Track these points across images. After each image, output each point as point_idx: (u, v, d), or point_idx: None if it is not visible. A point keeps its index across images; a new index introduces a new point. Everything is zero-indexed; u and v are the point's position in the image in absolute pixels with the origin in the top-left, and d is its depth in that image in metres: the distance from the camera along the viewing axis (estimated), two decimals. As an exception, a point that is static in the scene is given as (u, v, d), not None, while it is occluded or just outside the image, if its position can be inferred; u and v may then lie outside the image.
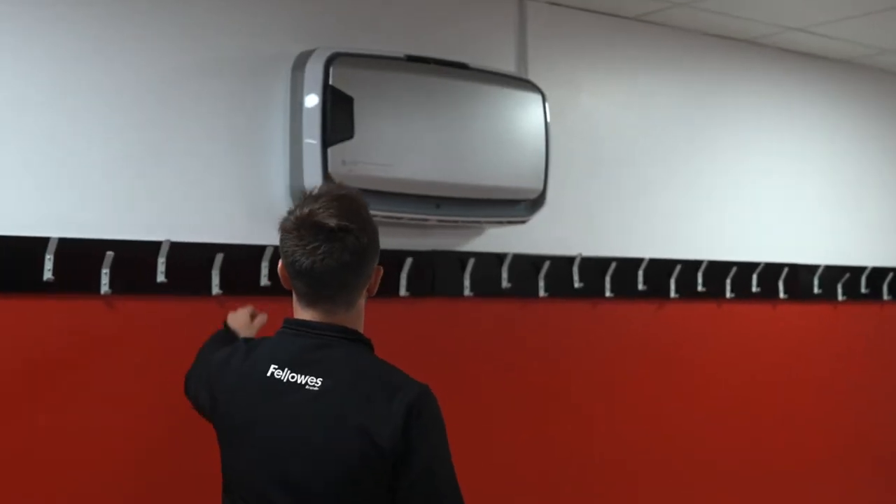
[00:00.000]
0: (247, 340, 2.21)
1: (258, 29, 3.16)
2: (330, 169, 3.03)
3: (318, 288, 2.03)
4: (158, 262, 2.93)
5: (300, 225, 2.00)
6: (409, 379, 2.01)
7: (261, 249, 3.08)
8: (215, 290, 3.03)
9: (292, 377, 1.99)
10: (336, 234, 1.98)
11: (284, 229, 2.03)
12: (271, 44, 3.16)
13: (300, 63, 3.09)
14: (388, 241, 3.22)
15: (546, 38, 3.74)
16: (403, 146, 3.17)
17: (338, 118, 3.04)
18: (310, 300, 2.04)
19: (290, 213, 2.04)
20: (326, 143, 3.03)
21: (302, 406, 1.97)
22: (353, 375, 1.99)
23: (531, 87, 3.48)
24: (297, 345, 2.03)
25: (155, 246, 2.93)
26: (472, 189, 3.33)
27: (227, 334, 2.54)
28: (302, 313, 2.07)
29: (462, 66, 3.33)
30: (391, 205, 3.18)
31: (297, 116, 3.08)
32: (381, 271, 2.12)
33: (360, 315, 2.10)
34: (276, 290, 2.28)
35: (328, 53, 3.06)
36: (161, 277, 2.94)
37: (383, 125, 3.13)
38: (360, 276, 2.06)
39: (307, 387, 1.97)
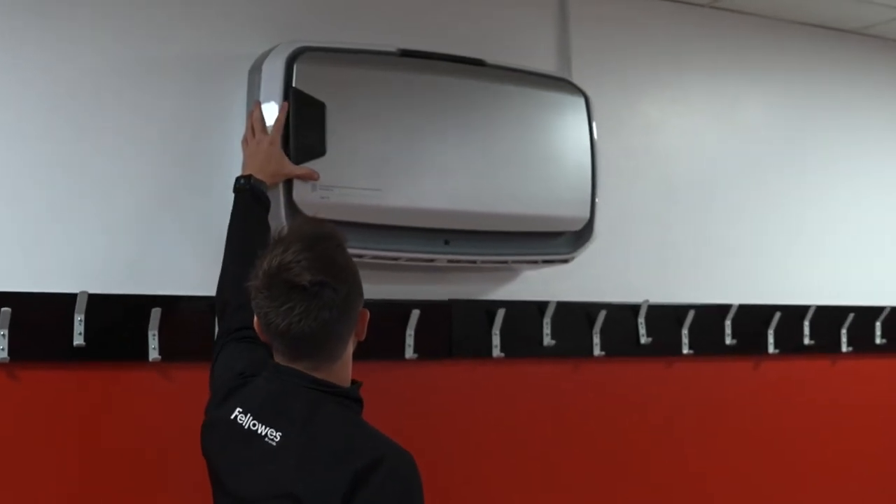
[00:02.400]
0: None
1: (213, 22, 2.49)
2: (295, 197, 2.34)
3: (298, 348, 1.85)
4: (75, 319, 2.27)
5: (270, 282, 1.80)
6: (378, 443, 1.80)
7: (212, 303, 2.38)
8: (153, 354, 2.34)
9: (254, 425, 1.84)
10: (310, 292, 1.79)
11: (254, 287, 1.83)
12: (231, 41, 2.49)
13: (259, 63, 2.42)
14: (384, 288, 2.59)
15: (594, 29, 2.99)
16: (396, 165, 2.46)
17: (303, 130, 2.35)
18: (290, 358, 1.86)
19: (258, 265, 1.82)
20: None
21: (256, 461, 1.82)
22: (312, 434, 1.81)
23: (569, 87, 2.73)
24: (267, 390, 1.87)
25: (68, 300, 2.26)
26: (493, 219, 2.59)
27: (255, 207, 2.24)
28: (284, 364, 1.88)
29: (477, 63, 2.61)
30: (382, 242, 2.46)
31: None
32: (368, 314, 1.92)
33: (346, 365, 1.91)
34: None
35: (292, 48, 2.37)
36: (78, 339, 2.27)
37: (367, 138, 2.42)
38: (343, 328, 1.87)
39: (266, 439, 1.82)
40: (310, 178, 2.32)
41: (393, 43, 2.52)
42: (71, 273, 2.29)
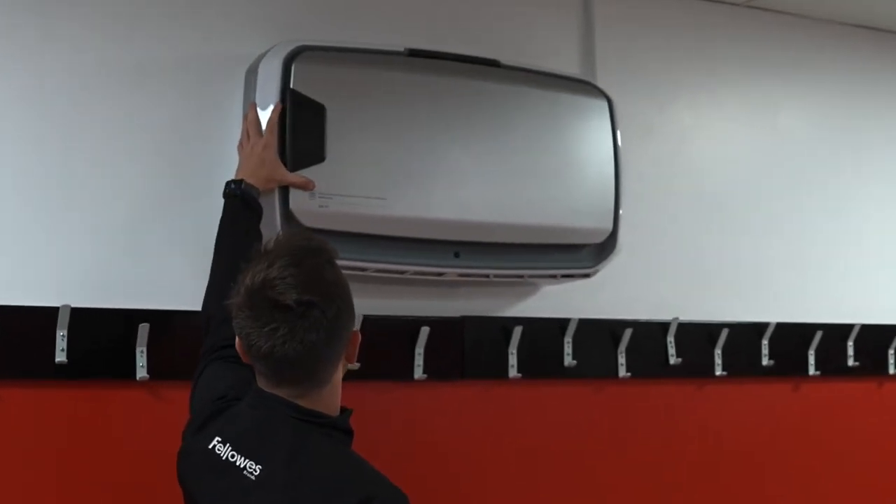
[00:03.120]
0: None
1: (210, 22, 2.35)
2: (292, 206, 2.18)
3: (282, 372, 1.70)
4: (57, 335, 2.13)
5: (252, 300, 1.66)
6: (367, 480, 1.67)
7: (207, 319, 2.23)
8: (141, 373, 2.19)
9: (232, 456, 1.70)
10: (296, 312, 1.65)
11: (235, 305, 1.68)
12: (229, 41, 2.35)
13: (256, 64, 2.27)
14: (390, 304, 2.42)
15: (621, 29, 2.82)
16: (402, 172, 2.30)
17: (301, 134, 2.19)
18: (274, 382, 1.72)
19: (240, 280, 1.69)
20: (286, 168, 2.18)
21: (232, 495, 1.69)
22: (294, 470, 1.67)
23: (592, 90, 2.55)
24: (249, 419, 1.73)
25: (50, 313, 2.12)
26: (508, 230, 2.42)
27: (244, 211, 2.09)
28: (267, 389, 1.73)
29: (491, 64, 2.44)
30: (386, 254, 2.30)
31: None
32: (359, 337, 1.79)
33: (335, 391, 1.77)
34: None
35: (290, 48, 2.22)
36: (60, 357, 2.13)
37: (371, 143, 2.27)
38: (332, 351, 1.72)
39: (244, 472, 1.68)
40: (305, 187, 2.17)
41: (400, 43, 2.36)
42: (54, 285, 2.15)
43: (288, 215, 2.18)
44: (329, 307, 1.67)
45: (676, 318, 2.80)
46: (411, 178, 2.30)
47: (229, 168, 2.22)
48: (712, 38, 2.98)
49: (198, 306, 2.16)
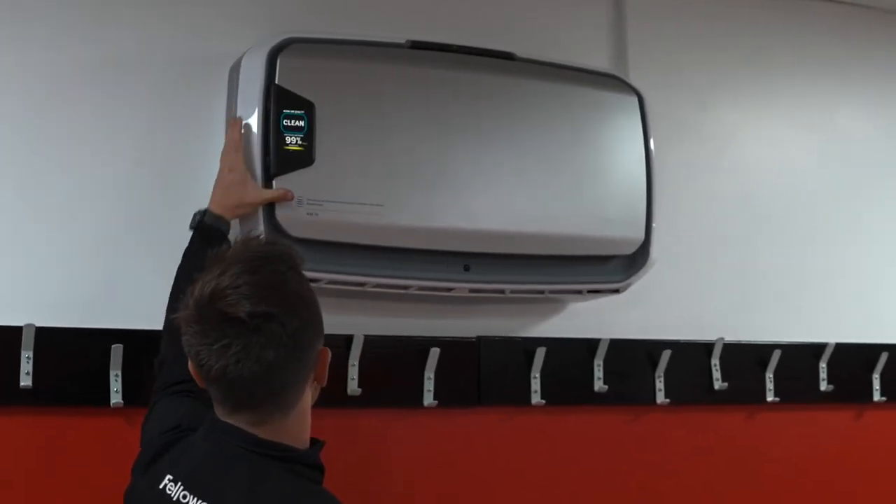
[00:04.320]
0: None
1: (195, 16, 2.16)
2: (278, 215, 1.97)
3: (238, 396, 1.48)
4: (21, 357, 1.93)
5: (201, 313, 1.46)
6: None
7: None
8: (115, 398, 1.99)
9: (183, 497, 1.49)
10: (250, 326, 1.44)
11: (183, 319, 1.48)
12: (216, 37, 2.15)
13: (240, 60, 2.06)
14: (395, 322, 2.20)
15: (656, 21, 2.57)
16: (403, 176, 2.07)
17: (287, 135, 1.98)
18: (229, 408, 1.50)
19: (189, 291, 1.49)
20: (269, 173, 1.97)
21: None
22: None
23: (619, 85, 2.31)
24: (202, 453, 1.53)
25: (13, 334, 1.93)
26: (524, 241, 2.18)
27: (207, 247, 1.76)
28: (226, 418, 1.51)
29: (505, 56, 2.21)
30: (386, 267, 2.08)
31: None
32: (329, 354, 1.56)
33: (302, 418, 1.54)
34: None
35: (277, 40, 2.02)
36: (25, 381, 1.93)
37: (367, 144, 2.05)
38: (295, 371, 1.50)
39: None
40: (284, 199, 1.95)
41: (404, 36, 2.15)
42: (18, 303, 1.97)
43: (274, 225, 1.97)
44: (289, 320, 1.46)
45: (721, 339, 2.52)
46: (413, 182, 2.08)
47: (212, 178, 2.03)
48: (761, 31, 2.72)
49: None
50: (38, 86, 2.03)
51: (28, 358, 1.94)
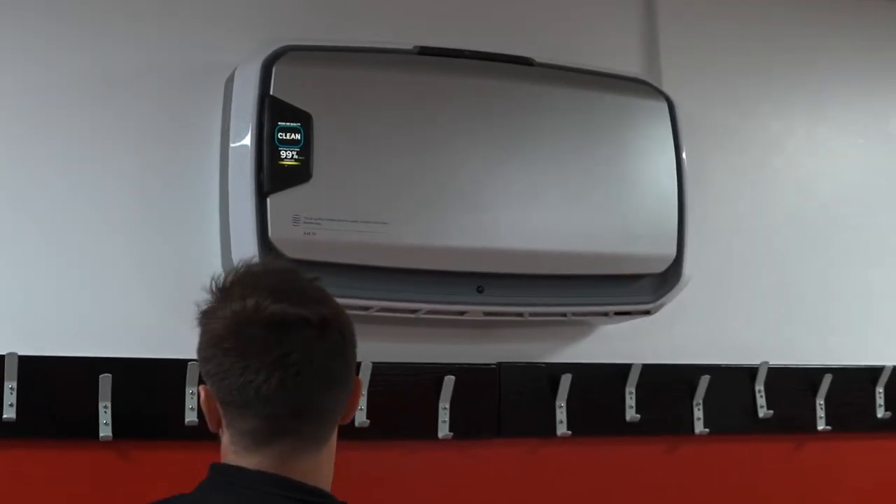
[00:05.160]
0: None
1: (194, 25, 2.04)
2: (272, 235, 1.84)
3: (283, 419, 1.29)
4: (4, 388, 1.82)
5: (240, 327, 1.27)
6: None
7: (181, 366, 1.90)
8: (104, 431, 1.87)
9: None
10: (315, 329, 1.28)
11: (213, 337, 1.29)
12: (215, 48, 2.03)
13: (235, 71, 1.95)
14: (404, 349, 2.07)
15: (692, 22, 2.39)
16: (407, 192, 1.93)
17: (282, 149, 1.85)
18: (263, 438, 1.29)
19: (211, 311, 1.31)
20: (263, 190, 1.84)
21: None
22: None
23: (647, 89, 2.15)
24: None
25: (-5, 363, 1.82)
26: (544, 259, 2.02)
27: None
28: (243, 458, 1.30)
29: (522, 62, 2.07)
30: (392, 290, 1.93)
31: (225, 151, 1.92)
32: (361, 383, 1.43)
33: (331, 458, 1.35)
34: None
35: (273, 48, 1.89)
36: (8, 413, 1.82)
37: (369, 158, 1.91)
38: (343, 392, 1.35)
39: None
40: None
41: (413, 44, 2.01)
42: (3, 331, 1.86)
43: (267, 246, 1.83)
44: (346, 329, 1.33)
45: (766, 363, 2.33)
46: (420, 198, 1.93)
47: (205, 196, 1.92)
48: (807, 31, 2.53)
49: (170, 353, 1.86)
50: (26, 102, 1.93)
51: (11, 389, 1.83)
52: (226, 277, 1.33)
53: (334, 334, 1.30)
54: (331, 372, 1.30)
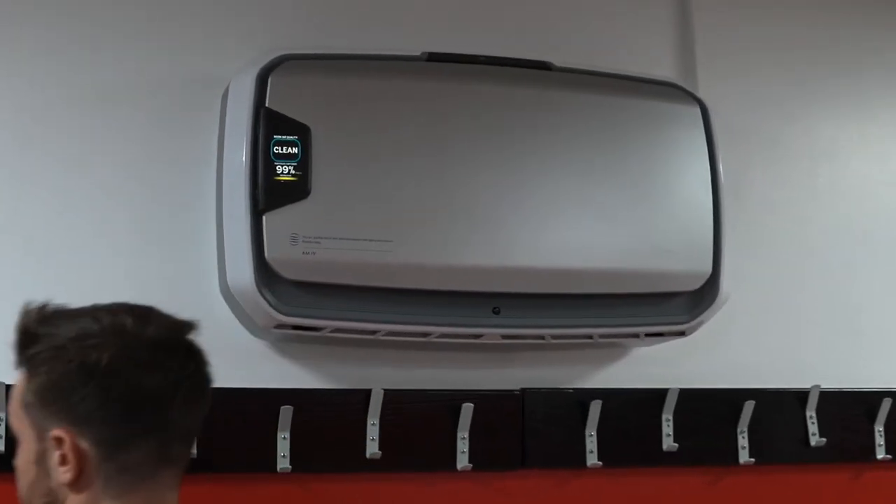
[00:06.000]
0: None
1: (192, 38, 1.95)
2: (268, 255, 1.72)
3: (175, 439, 1.28)
4: (-8, 420, 1.75)
5: (157, 344, 1.26)
6: None
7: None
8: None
9: None
10: (195, 349, 1.31)
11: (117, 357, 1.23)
12: (213, 61, 1.94)
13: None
14: (420, 374, 1.93)
15: (727, 21, 2.23)
16: (414, 207, 1.80)
17: (278, 163, 1.74)
18: (148, 470, 1.24)
19: (89, 339, 1.24)
20: (259, 207, 1.73)
21: None
22: None
23: (677, 93, 2.00)
24: None
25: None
26: (565, 278, 1.87)
27: None
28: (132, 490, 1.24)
29: (540, 66, 1.93)
30: (398, 312, 1.80)
31: (220, 167, 1.81)
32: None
33: None
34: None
35: (269, 58, 1.79)
36: (-2, 449, 1.74)
37: (372, 172, 1.79)
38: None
39: None
40: None
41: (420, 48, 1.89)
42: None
43: (263, 268, 1.72)
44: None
45: (817, 386, 2.16)
46: (428, 214, 1.80)
47: (206, 215, 1.81)
48: (857, 29, 2.35)
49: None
50: (22, 120, 1.85)
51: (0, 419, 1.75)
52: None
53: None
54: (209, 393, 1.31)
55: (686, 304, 1.96)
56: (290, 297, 1.74)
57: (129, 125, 1.89)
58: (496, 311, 1.85)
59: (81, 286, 1.81)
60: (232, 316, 1.84)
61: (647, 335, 1.96)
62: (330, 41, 1.91)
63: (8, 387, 1.71)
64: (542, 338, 1.90)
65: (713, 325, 2.01)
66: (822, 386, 2.16)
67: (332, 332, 1.78)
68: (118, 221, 1.87)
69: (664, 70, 2.17)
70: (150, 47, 1.91)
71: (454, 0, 2.08)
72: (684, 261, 1.94)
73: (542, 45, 2.03)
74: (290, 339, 1.88)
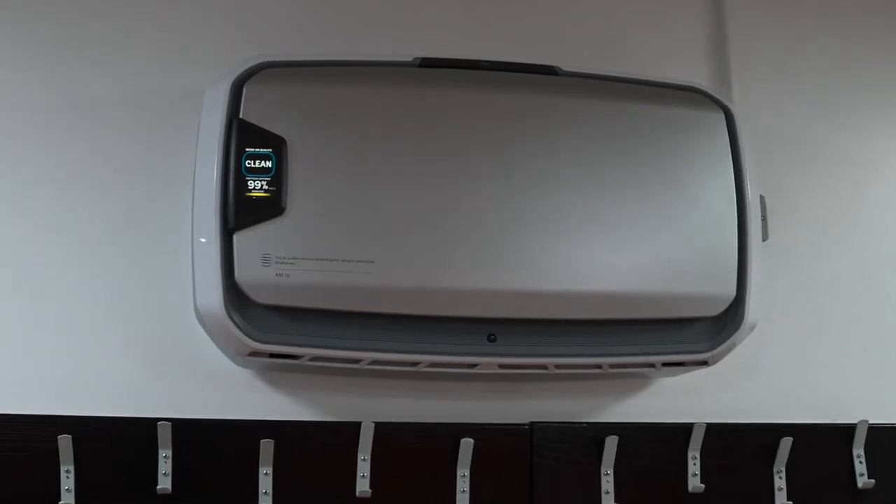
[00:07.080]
0: None
1: (174, 47, 1.86)
2: (238, 277, 1.60)
3: None
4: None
5: None
6: None
7: (150, 428, 1.68)
8: (65, 499, 1.66)
9: None
10: None
11: None
12: (197, 72, 1.83)
13: (206, 93, 1.74)
14: (416, 405, 1.80)
15: (764, 22, 2.06)
16: (398, 226, 1.65)
17: (250, 178, 1.62)
18: None
19: None
20: (229, 226, 1.61)
21: None
22: None
23: (698, 98, 1.82)
24: None
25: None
26: (568, 302, 1.70)
27: None
28: None
29: (546, 71, 1.78)
30: (382, 339, 1.66)
31: (193, 181, 1.70)
32: None
33: None
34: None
35: (245, 66, 1.67)
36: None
37: (354, 188, 1.65)
38: None
39: None
40: None
41: (412, 53, 1.75)
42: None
43: (234, 290, 1.60)
44: None
45: (865, 421, 1.95)
46: (414, 232, 1.65)
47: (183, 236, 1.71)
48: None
49: (136, 411, 1.66)
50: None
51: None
52: None
53: None
54: None
55: (707, 330, 1.78)
56: (262, 322, 1.61)
57: (108, 136, 1.81)
58: (492, 339, 1.69)
59: (61, 306, 1.75)
60: (210, 342, 1.73)
61: (665, 364, 1.78)
62: (316, 48, 1.79)
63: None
64: (545, 367, 1.74)
65: (744, 353, 1.83)
66: (871, 421, 1.95)
67: (312, 360, 1.65)
68: (98, 236, 1.78)
69: (695, 76, 2.00)
70: (130, 57, 1.83)
71: (447, 2, 1.94)
72: (704, 283, 1.76)
73: (552, 49, 1.89)
74: (271, 367, 1.75)
